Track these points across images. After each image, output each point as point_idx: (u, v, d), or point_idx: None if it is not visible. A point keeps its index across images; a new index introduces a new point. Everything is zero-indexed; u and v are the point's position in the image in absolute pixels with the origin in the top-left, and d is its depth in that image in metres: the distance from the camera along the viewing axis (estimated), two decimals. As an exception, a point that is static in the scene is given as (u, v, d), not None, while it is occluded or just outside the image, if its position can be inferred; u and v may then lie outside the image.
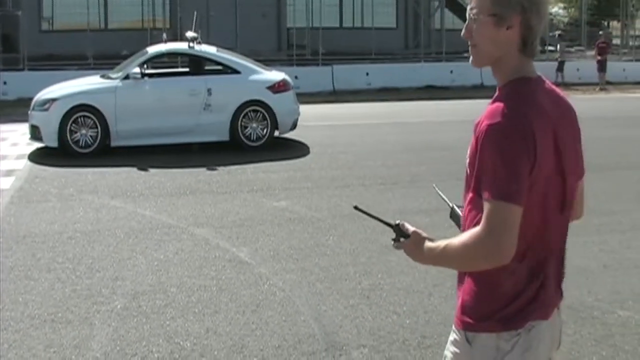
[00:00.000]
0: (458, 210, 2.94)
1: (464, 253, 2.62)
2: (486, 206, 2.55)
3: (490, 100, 2.72)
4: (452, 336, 2.83)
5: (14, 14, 26.94)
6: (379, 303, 6.54)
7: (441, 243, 2.71)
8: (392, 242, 2.91)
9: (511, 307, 2.68)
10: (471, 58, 2.80)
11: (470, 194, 2.70)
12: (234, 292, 6.82)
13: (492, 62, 2.75)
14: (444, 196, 3.14)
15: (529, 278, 2.69)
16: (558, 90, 2.82)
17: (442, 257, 2.73)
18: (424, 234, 2.84)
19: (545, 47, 31.12)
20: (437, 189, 3.27)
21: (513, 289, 2.68)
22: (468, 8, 2.78)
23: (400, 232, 2.88)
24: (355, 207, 3.03)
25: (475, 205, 2.66)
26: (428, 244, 2.79)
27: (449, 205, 3.05)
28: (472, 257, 2.61)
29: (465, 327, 2.76)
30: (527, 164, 2.54)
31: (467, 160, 2.71)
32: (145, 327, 6.06)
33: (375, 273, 7.31)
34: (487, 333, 2.70)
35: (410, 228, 2.86)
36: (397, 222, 2.88)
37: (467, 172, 2.73)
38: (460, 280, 2.84)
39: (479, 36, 2.72)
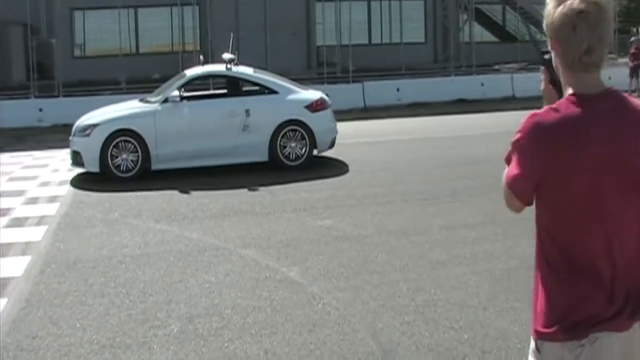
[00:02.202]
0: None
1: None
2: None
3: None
4: (530, 344, 2.90)
5: (49, 41, 27.30)
6: (434, 319, 6.53)
7: None
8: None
9: (571, 318, 2.73)
10: None
11: None
12: (288, 312, 6.84)
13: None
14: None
15: (588, 291, 2.73)
16: (634, 104, 2.82)
17: None
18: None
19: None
20: None
21: (569, 300, 2.75)
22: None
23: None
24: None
25: None
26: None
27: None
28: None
29: (534, 335, 2.84)
30: (533, 171, 2.75)
31: None
32: (203, 349, 6.10)
33: (427, 289, 7.30)
34: (552, 342, 2.77)
35: None
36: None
37: None
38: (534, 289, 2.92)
39: None
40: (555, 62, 2.86)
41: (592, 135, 2.70)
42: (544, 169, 2.73)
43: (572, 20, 2.69)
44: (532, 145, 2.74)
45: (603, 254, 2.74)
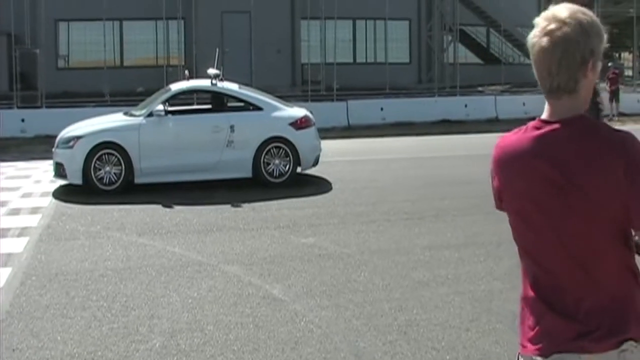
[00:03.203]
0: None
1: None
2: None
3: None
4: None
5: (32, 52, 27.18)
6: (416, 339, 6.55)
7: None
8: None
9: (536, 333, 2.77)
10: None
11: None
12: (271, 329, 6.83)
13: None
14: None
15: (550, 308, 2.75)
16: (594, 134, 2.75)
17: None
18: None
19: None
20: None
21: (533, 315, 2.80)
22: None
23: None
24: None
25: None
26: None
27: None
28: None
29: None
30: (495, 190, 2.93)
31: None
32: (185, 365, 6.08)
33: (410, 308, 7.32)
34: (524, 355, 2.83)
35: None
36: None
37: None
38: None
39: None
40: None
41: (542, 159, 2.71)
42: (499, 188, 2.88)
43: (534, 45, 2.72)
44: (492, 166, 2.90)
45: (563, 273, 2.74)
